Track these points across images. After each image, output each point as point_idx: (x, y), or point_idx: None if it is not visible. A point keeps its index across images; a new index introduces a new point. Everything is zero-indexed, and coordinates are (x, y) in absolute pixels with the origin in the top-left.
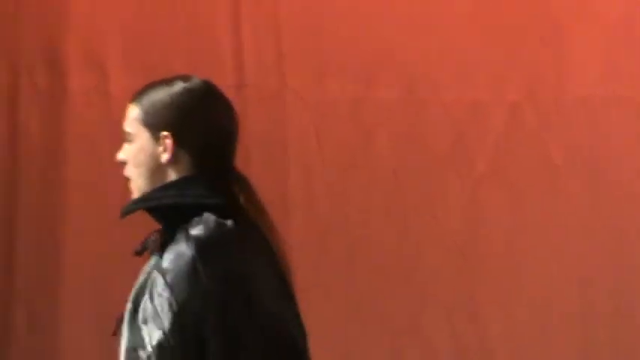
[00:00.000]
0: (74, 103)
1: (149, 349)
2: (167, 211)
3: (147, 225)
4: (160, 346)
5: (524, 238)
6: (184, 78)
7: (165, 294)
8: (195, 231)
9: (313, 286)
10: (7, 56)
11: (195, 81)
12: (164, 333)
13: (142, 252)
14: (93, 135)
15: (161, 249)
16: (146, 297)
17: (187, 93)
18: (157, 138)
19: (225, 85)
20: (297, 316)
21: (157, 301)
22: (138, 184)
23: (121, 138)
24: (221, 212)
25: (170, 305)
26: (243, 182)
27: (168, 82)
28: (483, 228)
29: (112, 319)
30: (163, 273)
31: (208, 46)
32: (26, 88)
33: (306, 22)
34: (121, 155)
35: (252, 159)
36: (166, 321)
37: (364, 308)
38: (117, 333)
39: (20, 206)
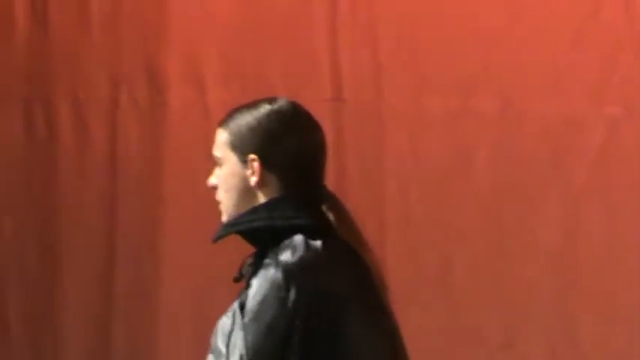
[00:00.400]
0: (172, 116)
1: None
2: (257, 233)
3: (242, 242)
4: None
5: (623, 255)
6: (270, 100)
7: (252, 319)
8: (284, 256)
9: (409, 302)
10: (107, 70)
11: (281, 102)
12: (248, 357)
13: (239, 279)
14: (190, 149)
15: (254, 272)
16: (236, 320)
17: (273, 115)
18: (244, 161)
19: (322, 98)
20: (392, 334)
21: (244, 325)
22: (227, 208)
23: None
24: (311, 233)
25: (258, 329)
26: (333, 201)
27: (254, 105)
28: (581, 244)
29: (209, 331)
30: (249, 298)
31: (305, 59)
32: (125, 101)
33: (403, 36)
34: (212, 180)
35: (348, 173)
36: (253, 344)
37: (460, 323)
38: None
39: (119, 220)
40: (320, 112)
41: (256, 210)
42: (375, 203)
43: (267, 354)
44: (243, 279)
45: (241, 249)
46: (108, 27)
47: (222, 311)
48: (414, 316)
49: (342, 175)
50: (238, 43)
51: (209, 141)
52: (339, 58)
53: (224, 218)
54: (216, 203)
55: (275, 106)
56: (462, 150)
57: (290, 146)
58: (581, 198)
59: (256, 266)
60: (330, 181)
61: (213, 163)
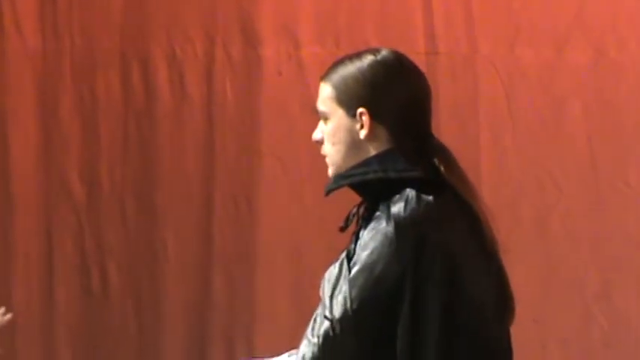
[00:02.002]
0: (267, 70)
1: (336, 316)
2: (369, 186)
3: (337, 195)
4: (352, 315)
5: None
6: (373, 51)
7: (360, 270)
8: (396, 209)
9: (505, 251)
10: (203, 27)
11: (385, 53)
12: (352, 307)
13: (345, 227)
14: (285, 103)
15: (364, 224)
16: (343, 271)
17: (378, 66)
18: (352, 115)
19: (416, 52)
20: (502, 282)
21: (351, 277)
22: (336, 162)
23: (311, 107)
24: (423, 185)
25: (366, 281)
26: (443, 151)
27: (357, 56)
28: None
29: (304, 287)
30: (358, 250)
31: (399, 13)
32: (221, 57)
33: None
34: (317, 135)
35: (442, 126)
36: (359, 294)
37: (556, 274)
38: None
39: (216, 173)
40: None
41: (368, 162)
42: (471, 155)
43: (374, 305)
44: (347, 228)
45: (337, 202)
46: None
47: (318, 264)
48: (510, 267)
49: (436, 127)
50: None
51: (303, 95)
52: (432, 11)
53: (331, 171)
54: (322, 157)
55: (379, 57)
56: (556, 100)
57: (398, 96)
58: None
59: (367, 218)
60: None
61: (316, 117)
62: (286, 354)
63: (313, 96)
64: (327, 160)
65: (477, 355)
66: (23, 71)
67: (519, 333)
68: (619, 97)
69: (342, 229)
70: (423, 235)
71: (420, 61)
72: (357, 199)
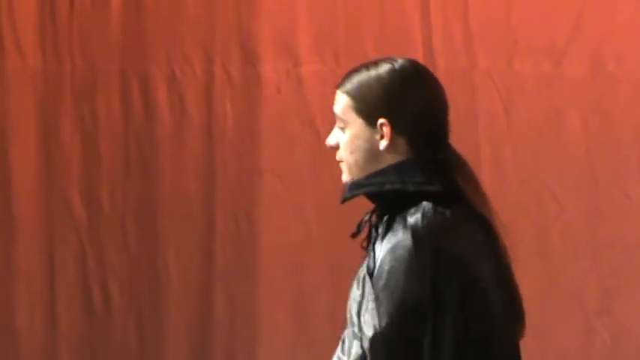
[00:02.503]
0: (266, 88)
1: (366, 334)
2: (385, 196)
3: (339, 207)
4: (380, 336)
5: None
6: (390, 60)
7: (383, 287)
8: (413, 220)
9: None
10: (201, 46)
11: (401, 62)
12: (383, 326)
13: (357, 233)
14: (285, 120)
15: (379, 236)
16: (366, 289)
17: (397, 75)
18: (372, 125)
19: None
20: (513, 300)
21: (375, 293)
22: (351, 168)
23: (310, 121)
24: (439, 198)
25: (391, 298)
26: (460, 163)
27: (374, 65)
28: None
29: (305, 304)
30: (377, 265)
31: (397, 28)
32: (220, 75)
33: (493, 1)
34: (331, 140)
35: None
36: (386, 312)
37: (558, 287)
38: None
39: (217, 192)
40: None
41: (386, 172)
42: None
43: (402, 321)
44: (359, 234)
45: (337, 219)
46: (202, 2)
47: (318, 280)
48: None
49: None
50: (330, 14)
51: (303, 112)
52: (431, 26)
53: (346, 178)
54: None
55: (397, 66)
56: (554, 113)
57: (418, 106)
58: None
59: (383, 230)
60: None
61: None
62: None
63: (313, 112)
64: (343, 165)
65: None
66: (24, 91)
67: (523, 347)
68: (617, 109)
69: (354, 235)
70: (440, 247)
71: None
72: (364, 208)
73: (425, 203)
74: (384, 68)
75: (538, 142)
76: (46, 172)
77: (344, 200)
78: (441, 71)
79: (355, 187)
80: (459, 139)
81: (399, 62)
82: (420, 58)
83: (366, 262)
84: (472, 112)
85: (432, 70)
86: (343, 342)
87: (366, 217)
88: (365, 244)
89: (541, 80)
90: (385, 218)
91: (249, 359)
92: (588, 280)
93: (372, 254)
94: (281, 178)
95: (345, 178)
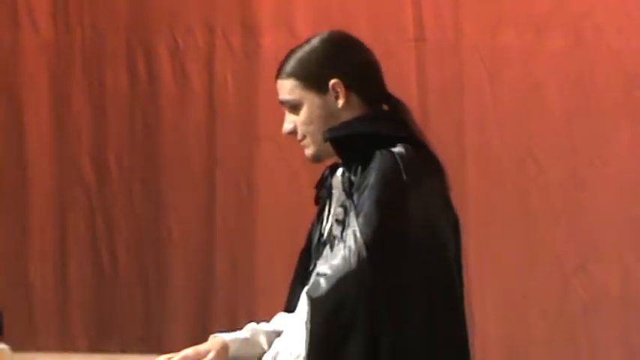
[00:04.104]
0: (266, 59)
1: (360, 243)
2: (359, 143)
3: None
4: (375, 236)
5: None
6: (316, 35)
7: (368, 194)
8: (396, 150)
9: (490, 224)
10: (203, 18)
11: (328, 32)
12: (381, 226)
13: (318, 195)
14: None
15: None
16: (349, 207)
17: (331, 40)
18: (323, 91)
19: (406, 38)
20: (454, 224)
21: (359, 201)
22: (317, 137)
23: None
24: (399, 142)
25: (375, 203)
26: (405, 109)
27: (304, 44)
28: None
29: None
30: (364, 180)
31: (388, 2)
32: (221, 46)
33: None
34: (287, 127)
35: (429, 108)
36: (379, 216)
37: (537, 248)
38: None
39: (218, 157)
40: (404, 52)
41: (352, 123)
42: (456, 135)
43: (382, 223)
44: (321, 196)
45: None
46: None
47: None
48: (494, 239)
49: (425, 109)
50: None
51: None
52: (421, 1)
53: (312, 150)
54: (299, 142)
55: (325, 35)
56: (536, 83)
57: (360, 61)
58: None
59: (361, 166)
60: (414, 114)
61: (283, 110)
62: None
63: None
64: (306, 141)
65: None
66: (37, 61)
67: (505, 304)
68: (595, 79)
69: (317, 188)
70: (418, 170)
71: (409, 47)
72: None
73: (399, 145)
74: (315, 40)
75: (521, 110)
76: (57, 137)
77: (332, 139)
78: (431, 45)
79: (329, 132)
80: (446, 106)
81: (325, 32)
82: (411, 32)
83: (319, 229)
84: (459, 82)
85: (422, 43)
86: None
87: (327, 172)
88: (319, 200)
89: (524, 51)
90: (359, 168)
91: (249, 315)
92: (566, 240)
93: (348, 202)
94: (278, 145)
95: (310, 150)
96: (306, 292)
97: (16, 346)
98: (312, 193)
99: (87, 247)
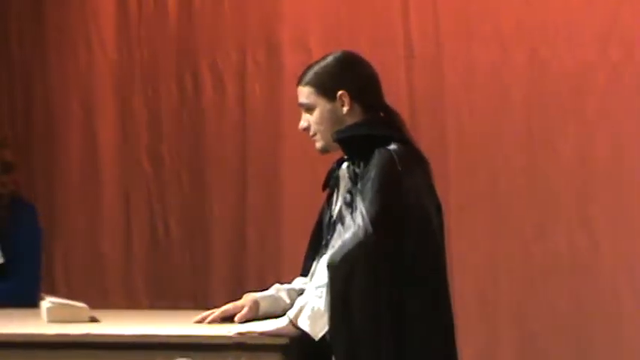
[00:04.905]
0: (286, 73)
1: (367, 220)
2: (360, 142)
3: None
4: (378, 215)
5: (628, 168)
6: (330, 53)
7: (372, 183)
8: (391, 147)
9: (466, 206)
10: (235, 40)
11: (340, 51)
12: (383, 207)
13: (327, 184)
14: None
15: (355, 176)
16: (355, 193)
17: (341, 59)
18: (332, 99)
19: (399, 54)
20: (437, 206)
21: (363, 188)
22: (325, 135)
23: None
24: (394, 141)
25: (378, 189)
26: (398, 116)
27: (320, 60)
28: (592, 156)
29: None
30: (366, 172)
31: (384, 27)
32: (251, 64)
33: (457, 5)
34: (303, 124)
35: (417, 112)
36: (381, 199)
37: (503, 223)
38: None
39: (249, 152)
40: (396, 65)
41: (355, 126)
42: (440, 133)
43: (383, 204)
44: (329, 184)
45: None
46: (237, 9)
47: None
48: (470, 216)
49: (413, 113)
50: (334, 16)
51: None
52: (410, 24)
53: (321, 145)
54: (311, 137)
55: (336, 54)
56: (502, 89)
57: (364, 76)
58: (592, 125)
59: (364, 161)
60: (405, 116)
61: (301, 112)
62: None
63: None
64: (317, 137)
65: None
66: (105, 77)
67: (479, 268)
68: (548, 86)
69: (325, 187)
70: (411, 165)
71: (400, 62)
72: None
73: (392, 144)
74: (330, 57)
75: (490, 111)
76: (122, 136)
77: (336, 139)
78: (418, 59)
79: (341, 132)
80: (430, 110)
81: (339, 52)
82: (402, 50)
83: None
84: (440, 89)
85: (410, 59)
86: (331, 247)
87: (335, 166)
88: (327, 190)
89: (492, 64)
90: (362, 162)
91: (275, 277)
92: (527, 214)
93: (352, 190)
94: (299, 141)
95: (320, 144)
96: (327, 261)
97: (91, 305)
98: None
99: (146, 224)
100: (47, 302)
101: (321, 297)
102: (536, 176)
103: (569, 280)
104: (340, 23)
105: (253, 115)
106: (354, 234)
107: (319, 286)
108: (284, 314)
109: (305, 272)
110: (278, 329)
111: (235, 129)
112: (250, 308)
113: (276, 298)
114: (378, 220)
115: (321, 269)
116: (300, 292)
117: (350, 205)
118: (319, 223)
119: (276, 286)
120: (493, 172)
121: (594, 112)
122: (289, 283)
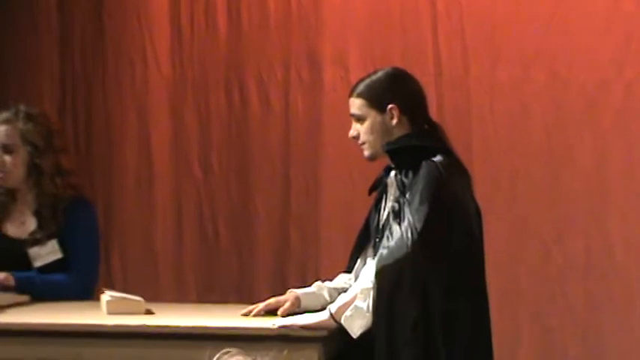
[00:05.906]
0: (327, 89)
1: (417, 226)
2: (408, 153)
3: (374, 171)
4: (425, 225)
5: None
6: (381, 69)
7: (419, 194)
8: (436, 159)
9: (488, 213)
10: (281, 57)
11: (391, 67)
12: (429, 217)
13: (373, 190)
14: (340, 111)
15: (409, 185)
16: (402, 201)
17: (392, 75)
18: (382, 111)
19: (427, 73)
20: (477, 211)
21: (411, 197)
22: (374, 144)
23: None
24: (439, 153)
25: (427, 197)
26: (442, 130)
27: (372, 74)
28: (608, 169)
29: (353, 235)
30: (413, 183)
31: (416, 46)
32: (294, 79)
33: (482, 27)
34: (353, 133)
35: (446, 127)
36: (428, 210)
37: (523, 226)
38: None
39: (291, 160)
40: (426, 84)
41: (404, 138)
42: (466, 145)
43: (429, 215)
44: (376, 190)
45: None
46: (281, 26)
47: (361, 220)
48: (490, 223)
49: (442, 124)
50: (371, 36)
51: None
52: (439, 44)
53: (368, 153)
54: (360, 145)
55: (388, 70)
56: (524, 106)
57: (413, 92)
58: (607, 137)
59: (412, 171)
60: None
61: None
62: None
63: (349, 114)
64: (365, 146)
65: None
66: (160, 90)
67: (499, 269)
68: (567, 103)
69: (370, 192)
70: (456, 175)
71: (430, 80)
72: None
73: (438, 156)
74: (381, 72)
75: (513, 127)
76: (175, 145)
77: (386, 151)
78: (446, 77)
79: (391, 144)
80: (458, 126)
81: (389, 68)
82: (432, 68)
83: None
84: (467, 107)
85: (439, 77)
86: (378, 252)
87: (383, 174)
88: (374, 193)
89: (515, 83)
90: (410, 172)
91: (315, 275)
92: (547, 219)
93: (399, 201)
94: (337, 150)
95: (368, 152)
96: (375, 267)
97: (146, 299)
98: (362, 185)
99: (196, 224)
100: (107, 296)
101: (365, 299)
102: (555, 185)
103: (585, 280)
104: (375, 43)
105: (296, 125)
106: (402, 242)
107: (364, 288)
108: (323, 309)
109: (349, 269)
110: (319, 322)
111: (279, 138)
112: (292, 303)
113: (317, 296)
114: (425, 229)
115: (366, 271)
116: (342, 290)
117: (398, 214)
118: (366, 225)
119: (318, 284)
120: (515, 180)
121: (609, 125)
122: (328, 279)
